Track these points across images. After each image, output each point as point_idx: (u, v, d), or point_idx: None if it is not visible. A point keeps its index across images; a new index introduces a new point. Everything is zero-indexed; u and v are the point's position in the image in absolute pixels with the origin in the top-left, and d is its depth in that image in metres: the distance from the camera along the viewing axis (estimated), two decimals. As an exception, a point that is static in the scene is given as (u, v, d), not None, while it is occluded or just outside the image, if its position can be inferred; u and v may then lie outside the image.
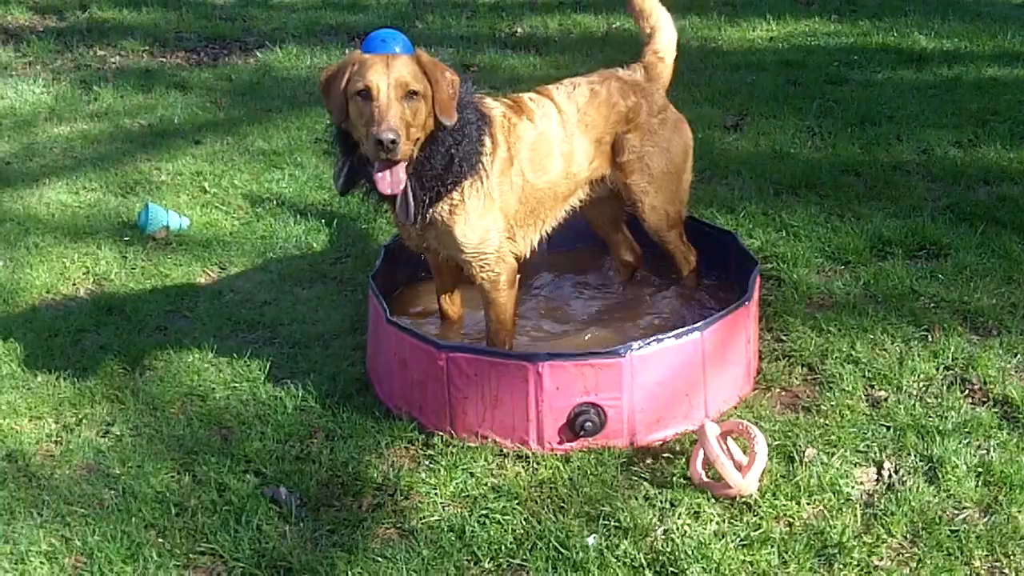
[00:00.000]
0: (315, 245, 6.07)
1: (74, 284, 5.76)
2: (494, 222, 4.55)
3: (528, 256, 4.87)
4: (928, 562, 3.69)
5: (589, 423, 4.22)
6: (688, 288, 5.27)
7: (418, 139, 4.22)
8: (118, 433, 4.54)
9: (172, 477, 4.26)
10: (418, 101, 4.14)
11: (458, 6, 11.30)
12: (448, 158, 4.30)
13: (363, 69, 4.12)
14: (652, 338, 4.28)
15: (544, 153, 4.71)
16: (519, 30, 10.42)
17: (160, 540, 3.93)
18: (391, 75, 4.09)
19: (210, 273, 5.83)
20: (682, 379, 4.35)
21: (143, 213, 6.27)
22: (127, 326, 5.31)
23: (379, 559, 3.78)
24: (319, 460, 4.29)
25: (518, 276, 4.74)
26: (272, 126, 7.92)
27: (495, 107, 4.64)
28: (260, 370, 4.89)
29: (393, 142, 3.99)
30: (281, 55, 9.78)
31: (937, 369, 4.73)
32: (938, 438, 4.26)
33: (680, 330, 4.33)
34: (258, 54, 9.90)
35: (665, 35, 5.10)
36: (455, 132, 4.30)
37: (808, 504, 3.96)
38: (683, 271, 5.23)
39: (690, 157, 5.12)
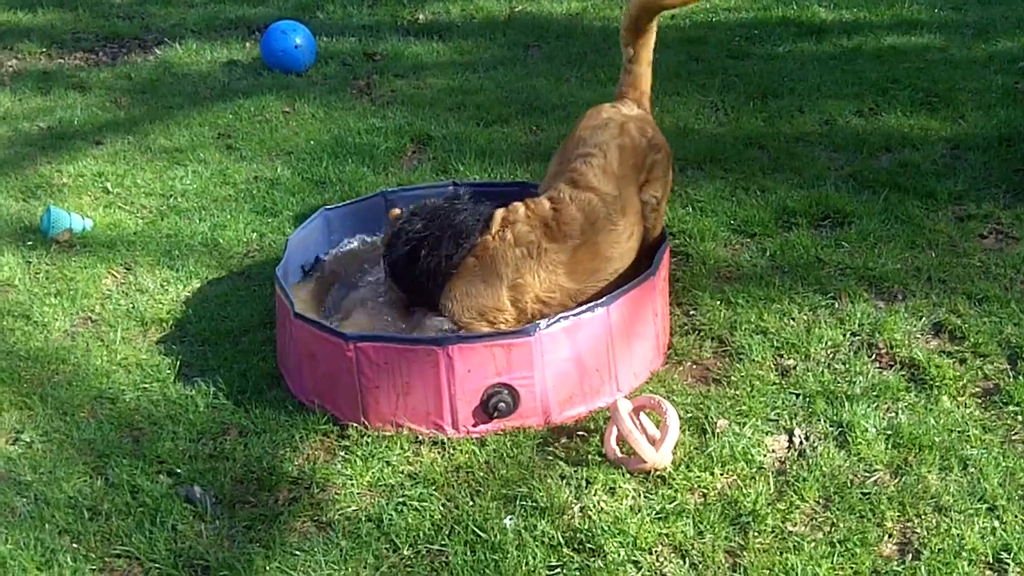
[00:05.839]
0: (221, 241, 5.99)
1: (-23, 292, 5.66)
2: None
3: None
4: (841, 525, 3.75)
5: (502, 404, 4.24)
6: None
7: None
8: (28, 440, 4.47)
9: (84, 481, 4.21)
10: None
11: (359, -6, 11.22)
12: None
13: None
14: (559, 316, 4.30)
15: None
16: (421, 17, 10.37)
17: (74, 545, 3.89)
18: None
19: (115, 274, 5.75)
20: (591, 355, 4.37)
21: (45, 217, 6.16)
22: (34, 332, 5.22)
23: (297, 552, 3.77)
24: (233, 457, 4.26)
25: None
26: (174, 123, 7.81)
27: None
28: (170, 369, 4.84)
29: None
30: (181, 51, 9.64)
31: (844, 335, 4.80)
32: (847, 403, 4.33)
33: (586, 306, 4.35)
34: (157, 51, 9.76)
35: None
36: None
37: (721, 474, 4.01)
38: None
39: None
